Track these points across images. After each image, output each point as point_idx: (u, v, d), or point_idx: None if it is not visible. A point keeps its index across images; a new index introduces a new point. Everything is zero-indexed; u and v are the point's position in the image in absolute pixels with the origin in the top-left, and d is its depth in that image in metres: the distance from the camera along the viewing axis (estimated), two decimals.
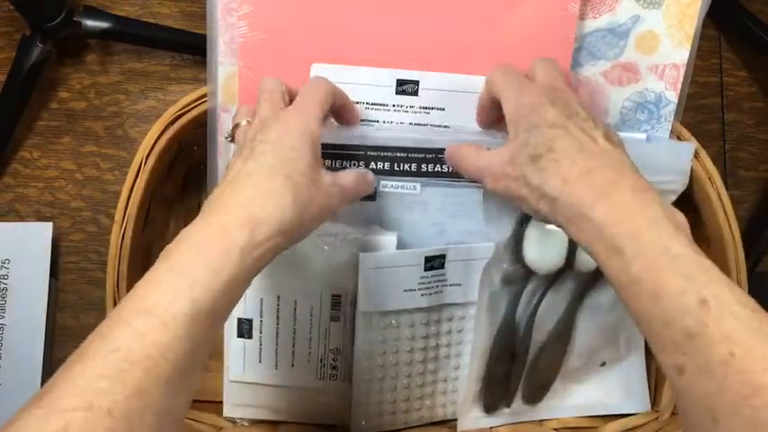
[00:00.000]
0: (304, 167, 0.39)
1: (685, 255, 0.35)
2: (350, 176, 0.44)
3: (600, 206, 0.37)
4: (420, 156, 0.50)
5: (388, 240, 0.50)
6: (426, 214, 0.51)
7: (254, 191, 0.38)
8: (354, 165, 0.49)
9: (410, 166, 0.50)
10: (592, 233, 0.38)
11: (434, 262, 0.50)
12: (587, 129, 0.41)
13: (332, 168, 0.49)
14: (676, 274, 0.35)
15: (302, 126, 0.41)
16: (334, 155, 0.49)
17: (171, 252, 0.36)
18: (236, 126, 0.44)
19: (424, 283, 0.50)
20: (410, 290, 0.50)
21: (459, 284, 0.51)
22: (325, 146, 0.49)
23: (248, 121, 0.44)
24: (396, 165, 0.50)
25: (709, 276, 0.35)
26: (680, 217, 0.38)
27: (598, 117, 0.43)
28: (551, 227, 0.48)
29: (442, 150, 0.49)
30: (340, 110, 0.47)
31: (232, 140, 0.45)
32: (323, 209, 0.41)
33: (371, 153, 0.49)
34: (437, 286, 0.51)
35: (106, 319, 0.34)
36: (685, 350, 0.33)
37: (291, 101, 0.44)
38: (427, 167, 0.50)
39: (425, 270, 0.50)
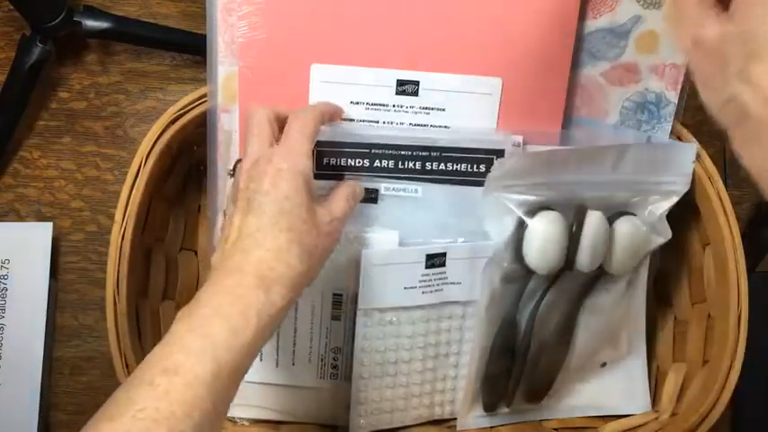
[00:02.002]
0: (303, 214, 0.41)
1: None
2: (341, 203, 0.45)
3: None
4: (424, 154, 0.50)
5: (389, 238, 0.50)
6: (429, 213, 0.51)
7: (260, 252, 0.39)
8: (359, 163, 0.49)
9: (414, 164, 0.50)
10: None
11: (435, 260, 0.50)
12: None
13: (334, 167, 0.50)
14: None
15: (293, 168, 0.41)
16: (338, 153, 0.49)
17: (190, 315, 0.37)
18: (238, 161, 0.45)
19: (424, 281, 0.51)
20: (411, 287, 0.51)
21: (460, 283, 0.51)
22: (329, 143, 0.49)
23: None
24: (400, 163, 0.50)
25: None
26: None
27: None
28: (551, 227, 0.48)
29: (446, 149, 0.50)
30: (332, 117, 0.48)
31: (232, 176, 0.45)
32: (326, 250, 0.43)
33: (376, 151, 0.49)
34: (438, 284, 0.51)
35: (129, 378, 0.35)
36: None
37: (282, 124, 0.44)
38: (431, 166, 0.50)
39: (426, 268, 0.50)
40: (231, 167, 0.46)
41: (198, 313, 0.37)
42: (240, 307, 0.37)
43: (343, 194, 0.46)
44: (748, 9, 0.35)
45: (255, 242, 0.39)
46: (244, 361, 0.37)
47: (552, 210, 0.49)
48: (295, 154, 0.42)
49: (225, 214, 0.45)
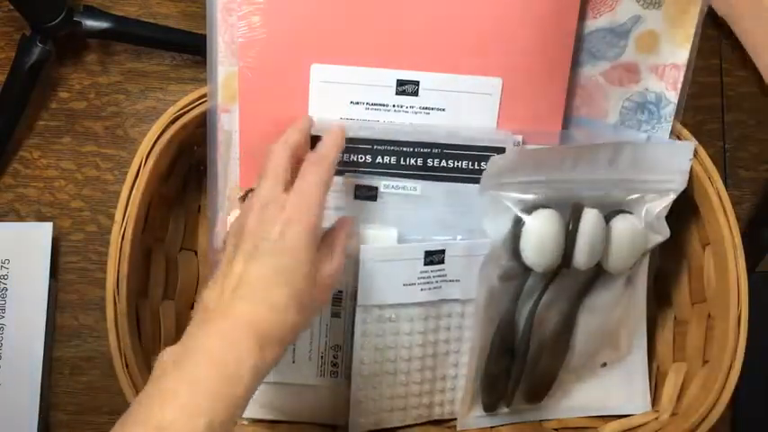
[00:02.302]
0: (305, 270, 0.40)
1: None
2: (341, 255, 0.44)
3: None
4: (426, 150, 0.50)
5: (388, 235, 0.50)
6: (428, 211, 0.51)
7: (258, 305, 0.39)
8: (361, 159, 0.49)
9: (416, 161, 0.50)
10: None
11: (434, 257, 0.50)
12: None
13: (337, 163, 0.50)
14: None
15: (304, 222, 0.40)
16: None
17: (184, 362, 0.37)
18: (249, 190, 0.44)
19: (423, 278, 0.51)
20: (410, 284, 0.51)
21: (459, 280, 0.52)
22: None
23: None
24: (402, 159, 0.50)
25: None
26: None
27: None
28: (547, 224, 0.48)
29: (447, 146, 0.50)
30: None
31: (242, 201, 0.45)
32: (322, 303, 0.44)
33: (378, 147, 0.50)
34: (437, 281, 0.51)
35: (118, 425, 0.35)
36: None
37: (299, 159, 0.44)
38: (433, 162, 0.50)
39: (425, 265, 0.50)
40: (242, 195, 0.46)
41: (194, 362, 0.36)
42: (236, 366, 0.37)
43: (342, 242, 0.45)
44: None
45: (255, 294, 0.39)
46: (237, 413, 0.37)
47: (549, 208, 0.49)
48: (308, 206, 0.41)
49: (224, 244, 0.43)
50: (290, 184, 0.42)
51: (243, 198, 0.45)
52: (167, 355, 0.37)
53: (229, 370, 0.36)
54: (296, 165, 0.44)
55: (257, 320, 0.38)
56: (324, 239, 0.43)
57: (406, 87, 0.49)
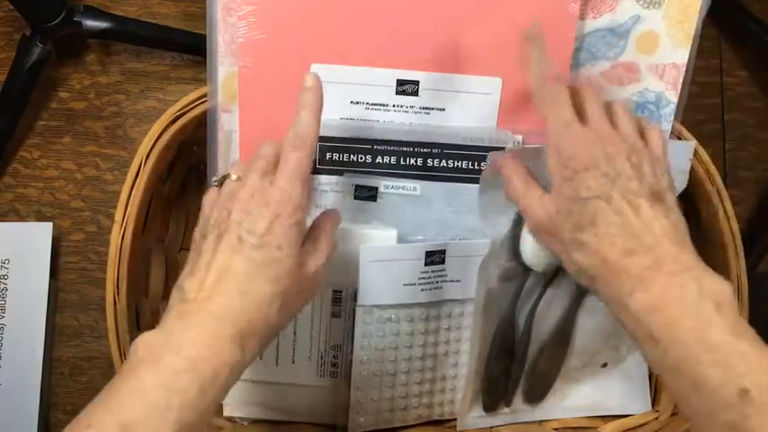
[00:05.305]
0: (291, 266, 0.39)
1: (723, 342, 0.35)
2: (327, 248, 0.43)
3: (636, 294, 0.38)
4: (426, 150, 0.50)
5: (387, 235, 0.50)
6: (429, 210, 0.51)
7: (243, 302, 0.38)
8: (361, 159, 0.50)
9: (416, 161, 0.50)
10: (629, 320, 0.39)
11: (435, 257, 0.50)
12: (631, 194, 0.40)
13: (337, 163, 0.50)
14: (714, 365, 0.34)
15: (289, 212, 0.39)
16: (341, 148, 0.49)
17: (160, 357, 0.35)
18: (226, 176, 0.43)
19: (424, 278, 0.51)
20: (410, 284, 0.51)
21: (459, 281, 0.52)
22: (332, 139, 0.49)
23: (239, 177, 0.42)
24: (401, 159, 0.50)
25: (748, 364, 0.34)
26: (724, 289, 0.37)
27: (645, 160, 0.42)
28: None
29: (447, 146, 0.50)
30: None
31: (219, 186, 0.43)
32: (305, 301, 0.42)
33: (378, 147, 0.50)
34: (437, 282, 0.51)
35: (84, 413, 0.34)
36: None
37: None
38: (433, 162, 0.50)
39: (426, 265, 0.50)
40: (217, 179, 0.44)
41: (169, 358, 0.35)
42: (214, 362, 0.35)
43: (328, 237, 0.43)
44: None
45: (240, 288, 0.38)
46: (204, 419, 0.35)
47: None
48: (292, 198, 0.40)
49: (202, 227, 0.42)
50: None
51: (218, 182, 0.43)
52: (144, 343, 0.36)
53: (207, 371, 0.35)
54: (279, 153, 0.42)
55: (240, 318, 0.37)
56: (309, 234, 0.43)
57: (406, 87, 0.49)
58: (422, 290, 0.51)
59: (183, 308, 0.38)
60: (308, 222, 0.43)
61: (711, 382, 0.34)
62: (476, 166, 0.50)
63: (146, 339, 0.36)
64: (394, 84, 0.49)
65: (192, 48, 0.61)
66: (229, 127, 0.50)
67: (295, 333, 0.53)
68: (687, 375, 0.35)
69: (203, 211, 0.43)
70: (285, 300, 0.39)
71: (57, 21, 0.57)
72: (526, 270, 0.51)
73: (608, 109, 0.44)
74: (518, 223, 0.50)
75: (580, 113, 0.43)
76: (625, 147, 0.42)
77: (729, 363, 0.34)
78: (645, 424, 0.55)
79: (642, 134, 0.44)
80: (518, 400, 0.55)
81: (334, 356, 0.54)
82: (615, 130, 0.43)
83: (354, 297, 0.51)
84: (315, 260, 0.42)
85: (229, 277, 0.38)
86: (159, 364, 0.35)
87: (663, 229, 0.40)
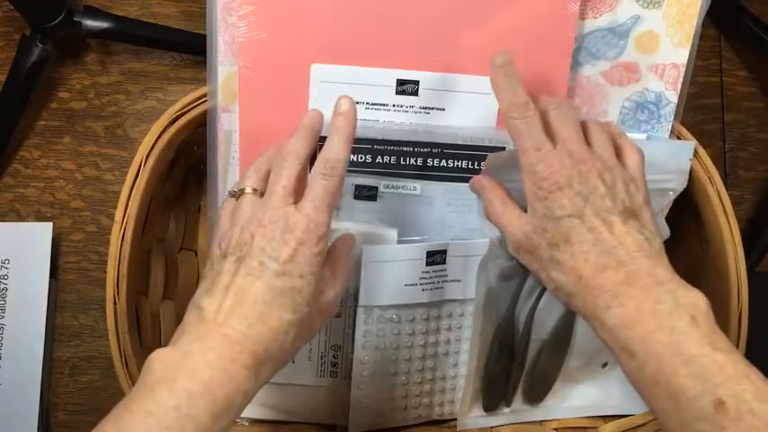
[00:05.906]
0: (310, 296, 0.39)
1: (699, 354, 0.35)
2: (342, 282, 0.43)
3: (611, 310, 0.39)
4: (426, 150, 0.50)
5: (388, 235, 0.50)
6: (429, 210, 0.51)
7: (259, 326, 0.38)
8: (361, 159, 0.50)
9: (416, 161, 0.50)
10: (606, 335, 0.40)
11: (436, 257, 0.50)
12: (605, 211, 0.41)
13: None
14: (690, 377, 0.35)
15: (313, 241, 0.39)
16: None
17: (175, 379, 0.35)
18: (241, 191, 0.42)
19: (425, 278, 0.51)
20: (411, 284, 0.51)
21: (460, 280, 0.52)
22: None
23: (254, 190, 0.42)
24: (401, 159, 0.50)
25: (725, 374, 0.35)
26: (698, 301, 0.38)
27: (618, 178, 0.42)
28: None
29: (447, 146, 0.50)
30: None
31: (236, 198, 0.43)
32: (318, 329, 0.43)
33: (378, 147, 0.50)
34: (438, 282, 0.51)
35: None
36: None
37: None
38: (433, 162, 0.50)
39: (427, 265, 0.50)
40: (234, 190, 0.43)
41: (184, 382, 0.35)
42: (228, 387, 0.36)
43: (345, 265, 0.44)
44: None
45: (258, 315, 0.38)
46: None
47: None
48: (316, 227, 0.39)
49: (220, 245, 0.41)
50: (299, 195, 0.41)
51: (237, 196, 0.42)
52: (159, 361, 0.36)
53: (220, 394, 0.35)
54: (303, 173, 0.42)
55: (255, 343, 0.37)
56: (326, 260, 0.42)
57: (406, 87, 0.49)
58: (423, 290, 0.51)
59: (201, 328, 0.38)
60: None
61: (688, 393, 0.35)
62: (476, 166, 0.50)
63: (162, 355, 0.36)
64: (394, 84, 0.49)
65: (192, 48, 0.61)
66: (229, 127, 0.50)
67: None
68: (664, 387, 0.36)
69: (221, 224, 0.42)
70: (301, 327, 0.39)
71: (57, 21, 0.57)
72: (526, 270, 0.51)
73: (584, 127, 0.45)
74: None
75: (553, 134, 0.43)
76: (598, 165, 0.42)
77: (705, 374, 0.35)
78: (645, 424, 0.55)
79: (619, 152, 0.45)
80: (518, 399, 0.55)
81: (334, 356, 0.54)
82: (589, 149, 0.43)
83: (355, 297, 0.51)
84: (333, 288, 0.42)
85: (248, 302, 0.38)
86: (175, 387, 0.35)
87: (636, 244, 0.40)
